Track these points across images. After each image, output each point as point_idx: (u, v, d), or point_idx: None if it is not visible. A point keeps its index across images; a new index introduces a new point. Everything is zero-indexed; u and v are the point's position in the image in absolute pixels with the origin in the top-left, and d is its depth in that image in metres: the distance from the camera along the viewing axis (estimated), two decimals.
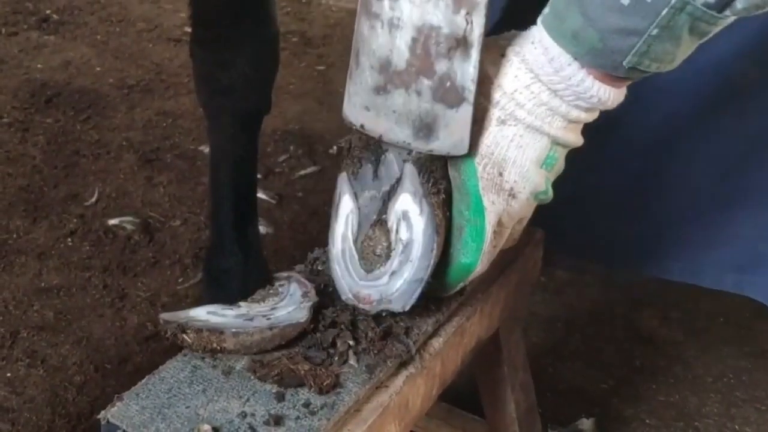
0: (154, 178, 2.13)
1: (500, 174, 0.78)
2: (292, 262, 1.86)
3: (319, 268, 0.89)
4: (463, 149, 0.76)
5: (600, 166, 1.24)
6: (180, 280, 1.78)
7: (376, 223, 0.79)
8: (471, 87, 0.73)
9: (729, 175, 1.21)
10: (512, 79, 0.76)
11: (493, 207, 0.78)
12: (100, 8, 3.05)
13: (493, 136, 0.77)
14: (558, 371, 1.66)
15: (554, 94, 0.75)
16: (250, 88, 1.24)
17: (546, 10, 0.74)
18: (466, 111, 0.74)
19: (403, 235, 0.77)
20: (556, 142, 0.78)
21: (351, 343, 0.76)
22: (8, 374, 1.51)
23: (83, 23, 2.95)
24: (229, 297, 1.27)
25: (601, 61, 0.72)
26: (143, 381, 0.73)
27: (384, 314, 0.80)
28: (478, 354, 0.97)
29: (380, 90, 0.76)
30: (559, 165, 0.81)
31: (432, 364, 0.82)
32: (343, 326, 0.78)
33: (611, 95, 0.75)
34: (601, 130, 0.87)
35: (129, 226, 1.92)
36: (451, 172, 0.78)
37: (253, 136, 1.30)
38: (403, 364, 0.79)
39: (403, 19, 0.74)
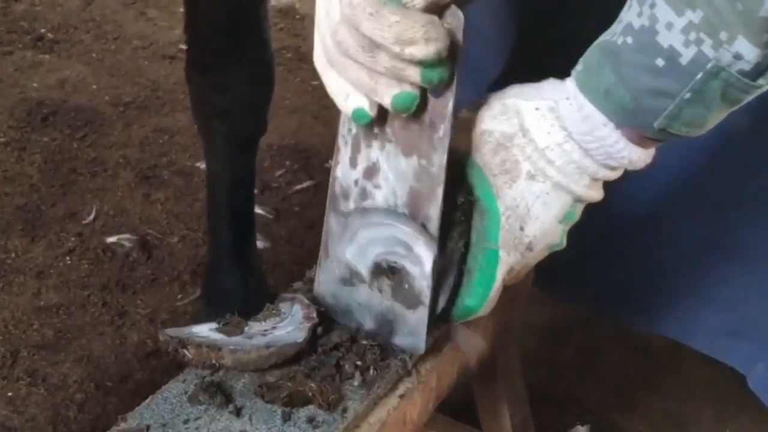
0: (151, 195, 2.13)
1: (521, 228, 0.78)
2: (290, 277, 1.88)
3: None
4: (420, 349, 0.80)
5: (594, 214, 1.23)
6: (179, 296, 1.79)
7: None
8: (427, 292, 0.76)
9: (722, 234, 1.17)
10: (545, 135, 0.75)
11: (507, 258, 0.79)
12: (95, 26, 3.05)
13: (520, 189, 0.77)
14: (553, 380, 1.67)
15: (585, 153, 0.75)
16: (246, 111, 1.26)
17: (579, 67, 0.74)
18: (422, 314, 0.78)
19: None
20: (578, 200, 0.79)
21: (358, 363, 0.78)
22: (9, 393, 1.52)
23: (78, 41, 2.95)
24: (230, 314, 1.28)
25: (631, 120, 0.72)
26: (146, 401, 0.74)
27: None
28: (475, 369, 0.99)
29: (346, 282, 0.81)
30: (576, 218, 0.82)
31: (428, 378, 0.83)
32: (344, 348, 0.80)
33: (641, 156, 0.75)
34: None
35: (127, 244, 1.93)
36: (475, 219, 0.80)
37: (251, 156, 1.32)
38: (399, 380, 0.80)
39: None
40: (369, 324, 0.81)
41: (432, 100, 0.73)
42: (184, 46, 1.39)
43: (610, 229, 1.27)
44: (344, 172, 0.79)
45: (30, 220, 2.00)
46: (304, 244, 1.99)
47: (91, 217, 2.02)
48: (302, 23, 3.23)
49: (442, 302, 0.80)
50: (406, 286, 0.77)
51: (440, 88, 0.72)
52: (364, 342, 0.80)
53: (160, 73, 2.79)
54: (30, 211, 2.03)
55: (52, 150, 2.29)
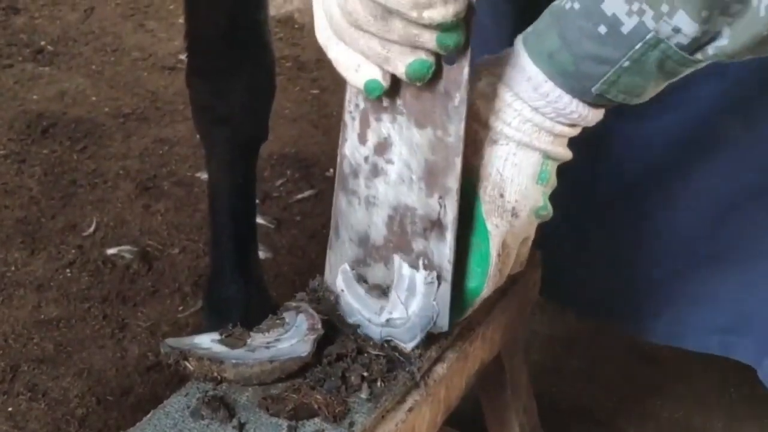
0: (151, 206, 2.12)
1: (501, 195, 0.78)
2: (292, 288, 1.87)
3: (320, 295, 0.89)
4: (444, 327, 0.77)
5: (579, 215, 1.22)
6: (180, 308, 1.78)
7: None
8: (448, 267, 0.75)
9: (715, 230, 1.18)
10: (495, 100, 0.77)
11: (497, 230, 0.78)
12: (94, 38, 3.05)
13: (487, 156, 0.78)
14: (560, 390, 1.65)
15: (536, 111, 0.76)
16: (248, 116, 1.25)
17: (529, 29, 0.76)
18: (444, 290, 0.75)
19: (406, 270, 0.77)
20: (547, 156, 0.79)
21: (365, 374, 0.76)
22: (9, 408, 1.49)
23: (78, 53, 2.95)
24: (232, 325, 1.27)
25: (571, 83, 0.73)
26: (148, 416, 0.72)
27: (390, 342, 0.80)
28: (481, 378, 0.97)
29: (360, 263, 0.79)
30: (553, 180, 0.82)
31: (436, 390, 0.82)
32: (350, 359, 0.77)
33: (590, 113, 0.77)
34: (581, 177, 0.86)
35: (128, 255, 1.92)
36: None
37: (252, 163, 1.31)
38: (408, 392, 0.78)
39: (378, 197, 0.76)
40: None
41: (446, 68, 0.71)
42: (183, 57, 1.39)
43: (599, 229, 1.26)
44: (353, 149, 0.77)
45: (30, 233, 1.98)
46: (306, 255, 1.98)
47: (92, 229, 2.01)
48: (301, 33, 3.23)
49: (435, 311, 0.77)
50: (426, 262, 0.75)
51: (455, 55, 0.70)
52: (371, 352, 0.78)
53: (159, 84, 2.79)
54: (30, 223, 2.02)
55: (52, 162, 2.28)
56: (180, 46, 2.99)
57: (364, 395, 0.75)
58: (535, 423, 1.11)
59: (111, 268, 1.88)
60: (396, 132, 0.74)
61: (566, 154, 0.81)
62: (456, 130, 0.72)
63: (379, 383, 0.76)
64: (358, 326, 0.81)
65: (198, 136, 1.34)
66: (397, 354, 0.79)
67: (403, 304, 0.77)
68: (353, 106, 0.76)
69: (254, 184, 1.33)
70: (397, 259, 0.78)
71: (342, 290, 0.82)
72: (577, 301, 1.35)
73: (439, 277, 0.75)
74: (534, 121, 0.77)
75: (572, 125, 0.78)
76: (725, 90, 1.08)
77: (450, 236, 0.74)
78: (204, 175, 2.24)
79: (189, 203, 2.14)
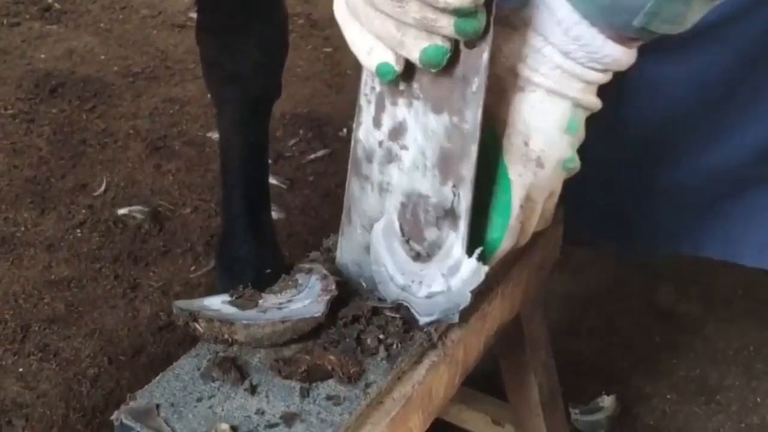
0: (162, 166, 2.11)
1: (526, 143, 0.75)
2: (305, 248, 1.85)
3: (335, 255, 0.86)
4: (454, 318, 0.76)
5: (620, 135, 1.18)
6: (192, 268, 1.76)
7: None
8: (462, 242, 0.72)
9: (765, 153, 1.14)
10: (521, 45, 0.73)
11: (519, 179, 0.75)
12: None
13: (513, 104, 0.74)
14: (577, 349, 1.64)
15: (566, 56, 0.72)
16: (259, 74, 1.21)
17: None
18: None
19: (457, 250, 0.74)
20: (577, 104, 0.75)
21: (381, 337, 0.73)
22: (20, 369, 1.49)
23: (86, 11, 2.92)
24: (243, 285, 1.25)
25: (609, 19, 0.69)
26: (157, 378, 0.70)
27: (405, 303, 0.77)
28: (500, 338, 0.94)
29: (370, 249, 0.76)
30: (582, 130, 0.78)
31: (454, 351, 0.79)
32: (365, 320, 0.75)
33: (624, 55, 0.73)
34: (606, 120, 0.83)
35: (139, 216, 1.90)
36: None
37: (264, 122, 1.27)
38: (424, 353, 0.76)
39: (392, 183, 0.74)
40: (394, 290, 0.76)
41: (465, 52, 0.68)
42: (193, 15, 1.35)
43: (643, 150, 1.22)
44: (367, 133, 0.75)
45: (39, 193, 1.97)
46: (319, 214, 1.96)
47: (102, 188, 2.00)
48: None
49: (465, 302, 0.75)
50: (439, 252, 0.73)
51: (474, 39, 0.67)
52: (387, 314, 0.76)
53: (169, 43, 2.75)
54: (39, 183, 2.01)
55: (61, 122, 2.27)
56: (190, 3, 2.96)
57: (379, 357, 0.73)
58: (554, 383, 1.09)
59: (122, 228, 1.87)
60: (412, 117, 0.72)
61: (597, 102, 0.77)
62: (473, 117, 0.69)
63: (395, 345, 0.74)
64: (378, 281, 0.78)
65: (209, 94, 1.31)
66: (413, 315, 0.77)
67: (444, 277, 0.75)
68: (369, 89, 0.74)
69: (267, 142, 1.30)
70: (451, 236, 0.74)
71: (376, 235, 0.78)
72: (615, 231, 1.30)
73: (452, 267, 0.73)
74: (564, 67, 0.73)
75: (604, 71, 0.74)
76: (752, 31, 1.04)
77: (463, 226, 0.72)
78: (215, 135, 2.22)
79: (200, 163, 2.12)
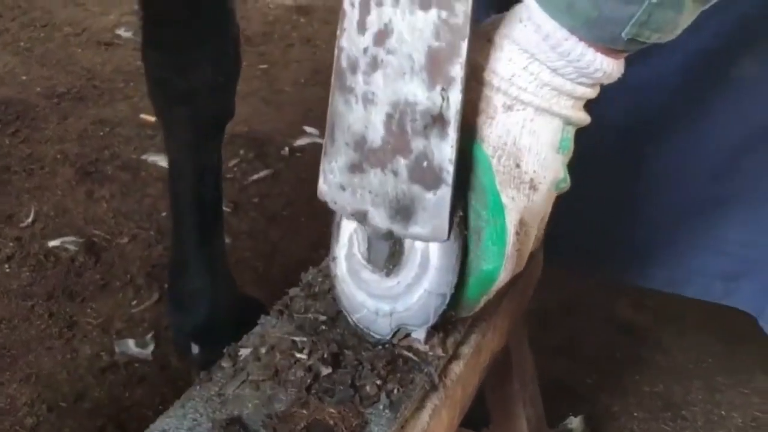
0: (95, 192, 2.00)
1: (517, 165, 0.71)
2: (254, 275, 1.76)
3: (317, 290, 0.80)
4: (443, 235, 0.70)
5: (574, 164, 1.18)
6: (134, 302, 1.67)
7: (386, 236, 0.70)
8: (449, 168, 0.68)
9: (719, 176, 1.15)
10: (507, 63, 0.69)
11: (513, 204, 0.71)
12: (21, 13, 2.90)
13: (502, 124, 0.70)
14: (541, 367, 1.59)
15: (555, 73, 0.69)
16: (213, 92, 1.13)
17: None
18: (444, 193, 0.69)
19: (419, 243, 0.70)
20: (568, 122, 0.72)
21: (379, 383, 0.67)
22: None
23: (4, 30, 2.79)
24: (196, 321, 1.16)
25: (597, 33, 0.66)
26: None
27: (398, 339, 0.72)
28: (489, 370, 0.89)
29: (356, 169, 0.73)
30: (572, 148, 0.75)
31: (454, 392, 0.73)
32: (359, 364, 0.70)
33: (614, 68, 0.70)
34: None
35: (72, 247, 1.79)
36: (465, 174, 0.71)
37: (217, 144, 1.19)
38: (426, 396, 0.70)
39: (377, 94, 0.70)
40: (382, 214, 0.72)
41: None
42: (120, 32, 1.27)
43: (595, 180, 1.21)
44: (351, 40, 0.70)
45: None
46: (267, 238, 1.87)
47: (30, 219, 1.88)
48: (245, 5, 3.11)
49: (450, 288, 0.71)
50: (425, 164, 0.68)
51: None
52: (381, 356, 0.71)
53: (95, 61, 2.65)
54: None
55: None
56: (116, 20, 2.87)
57: (381, 406, 0.66)
58: (540, 414, 1.05)
59: (54, 262, 1.76)
60: (399, 16, 0.68)
61: (585, 118, 0.74)
62: (464, 9, 0.65)
63: (395, 390, 0.68)
64: (365, 326, 0.73)
65: (155, 115, 1.22)
66: (411, 354, 0.71)
67: (413, 283, 0.71)
68: None
69: (220, 166, 1.22)
70: (408, 240, 0.71)
71: (343, 280, 0.74)
72: (572, 259, 1.29)
73: (438, 180, 0.69)
74: (553, 84, 0.70)
75: (593, 85, 0.71)
76: (729, 24, 1.03)
77: (452, 132, 0.68)
78: (150, 157, 2.13)
79: (136, 188, 2.02)
